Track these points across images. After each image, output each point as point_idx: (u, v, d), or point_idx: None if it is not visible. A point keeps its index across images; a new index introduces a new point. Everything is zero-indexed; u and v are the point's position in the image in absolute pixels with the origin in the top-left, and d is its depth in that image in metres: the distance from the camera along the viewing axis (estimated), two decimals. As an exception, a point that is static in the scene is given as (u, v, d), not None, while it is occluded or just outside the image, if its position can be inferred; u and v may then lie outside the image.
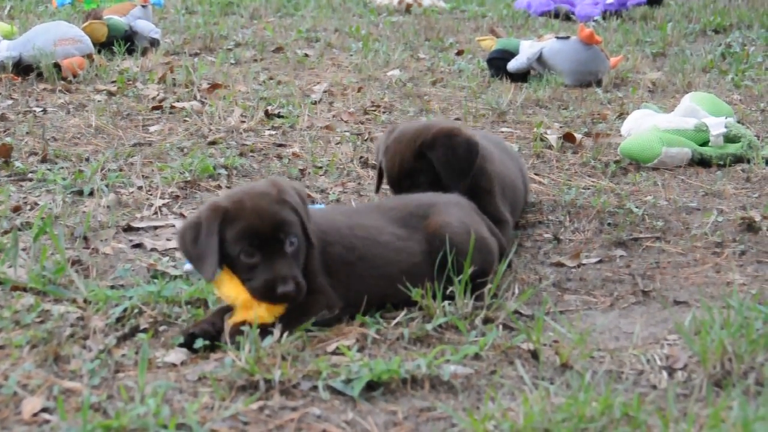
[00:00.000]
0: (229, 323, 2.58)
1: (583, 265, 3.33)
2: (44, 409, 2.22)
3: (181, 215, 3.68)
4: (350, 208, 3.01)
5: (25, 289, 2.88)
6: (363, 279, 2.79)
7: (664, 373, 2.49)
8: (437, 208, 2.98)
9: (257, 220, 2.61)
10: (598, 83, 6.33)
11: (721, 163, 4.54)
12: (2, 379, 2.34)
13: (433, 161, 3.28)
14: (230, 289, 2.67)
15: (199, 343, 2.55)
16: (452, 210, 2.99)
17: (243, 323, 2.55)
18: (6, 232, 3.33)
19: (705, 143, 4.64)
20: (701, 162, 4.55)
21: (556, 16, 9.38)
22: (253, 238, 2.60)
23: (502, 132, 5.09)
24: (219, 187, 4.02)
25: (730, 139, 4.65)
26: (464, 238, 2.88)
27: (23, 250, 3.15)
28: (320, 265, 2.73)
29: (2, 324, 2.64)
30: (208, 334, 2.57)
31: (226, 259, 2.63)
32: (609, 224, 3.71)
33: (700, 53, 7.57)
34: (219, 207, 2.64)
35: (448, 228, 2.89)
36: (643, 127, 4.71)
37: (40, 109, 5.18)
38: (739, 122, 5.01)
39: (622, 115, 5.39)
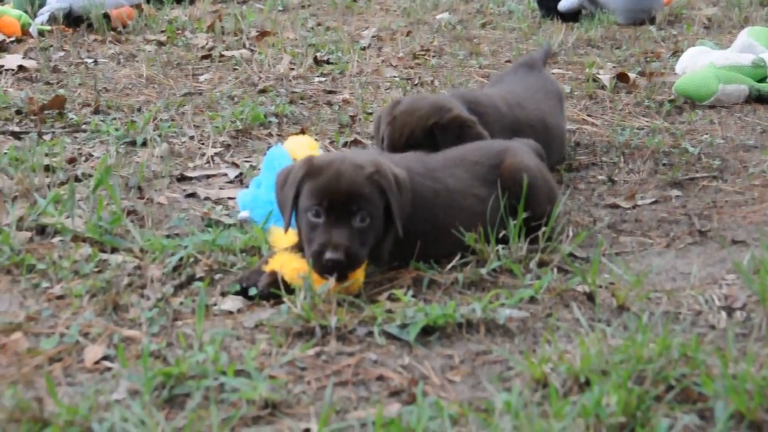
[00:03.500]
0: (266, 272, 2.60)
1: (638, 206, 3.30)
2: (105, 357, 2.26)
3: (233, 164, 3.69)
4: (436, 163, 2.87)
5: (83, 240, 2.91)
6: (436, 246, 2.76)
7: (723, 313, 2.47)
8: (511, 151, 2.95)
9: (335, 182, 2.55)
10: (652, 21, 6.22)
11: (779, 99, 4.46)
12: (64, 328, 2.38)
13: (440, 144, 3.15)
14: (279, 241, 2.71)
15: (253, 291, 2.57)
16: (525, 153, 2.97)
17: (275, 279, 2.56)
18: (62, 184, 3.37)
19: (763, 79, 4.55)
20: (759, 99, 4.47)
21: (607, -47, 9.20)
22: (323, 198, 2.54)
23: (554, 73, 5.02)
24: (270, 135, 4.03)
25: (788, 74, 4.56)
26: (540, 182, 2.88)
27: (79, 200, 3.18)
28: (394, 241, 2.68)
29: (62, 274, 2.67)
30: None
31: (300, 212, 2.61)
32: (664, 164, 3.67)
33: (757, -13, 7.40)
34: (309, 160, 2.61)
35: (528, 171, 2.87)
36: (699, 64, 4.63)
37: (92, 60, 5.21)
38: (797, 57, 4.90)
39: (676, 53, 5.31)
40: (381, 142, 3.31)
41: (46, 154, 3.62)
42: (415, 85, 4.80)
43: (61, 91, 4.53)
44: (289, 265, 2.59)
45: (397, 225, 2.60)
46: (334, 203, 2.54)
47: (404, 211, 2.64)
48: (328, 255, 2.49)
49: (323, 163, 2.60)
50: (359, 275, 2.59)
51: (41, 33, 5.71)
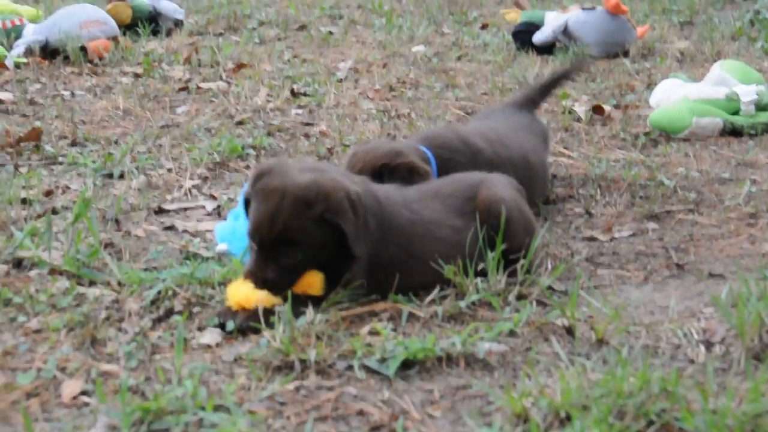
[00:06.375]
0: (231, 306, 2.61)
1: (616, 239, 3.32)
2: (83, 392, 2.23)
3: (211, 196, 3.69)
4: (411, 195, 2.88)
5: (60, 273, 2.89)
6: (413, 276, 2.76)
7: (702, 347, 2.47)
8: (486, 183, 2.95)
9: (267, 223, 2.57)
10: (626, 54, 6.28)
11: (753, 132, 4.50)
12: (41, 363, 2.36)
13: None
14: None
15: (230, 326, 2.55)
16: (501, 185, 2.97)
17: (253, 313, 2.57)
18: (39, 216, 3.35)
19: (736, 112, 4.59)
20: (733, 132, 4.52)
21: (581, -13, 9.28)
22: (254, 235, 2.60)
23: (530, 106, 5.05)
24: (248, 167, 4.02)
25: (761, 107, 4.61)
26: (516, 214, 2.87)
27: (57, 233, 3.16)
28: (367, 264, 2.68)
29: (39, 308, 2.65)
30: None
31: None
32: (641, 197, 3.69)
33: (729, 21, 7.48)
34: (258, 177, 2.64)
35: (503, 202, 2.87)
36: (673, 97, 4.67)
37: (68, 93, 5.20)
38: (770, 91, 4.95)
39: (650, 86, 5.35)
40: None
41: (23, 187, 3.61)
42: (392, 117, 4.81)
43: (38, 124, 4.51)
44: (238, 291, 2.60)
45: (355, 250, 2.60)
46: (264, 243, 2.58)
47: (364, 232, 2.63)
48: (252, 285, 2.57)
49: (267, 189, 2.60)
50: (313, 281, 2.63)
51: (17, 65, 5.69)
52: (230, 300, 2.61)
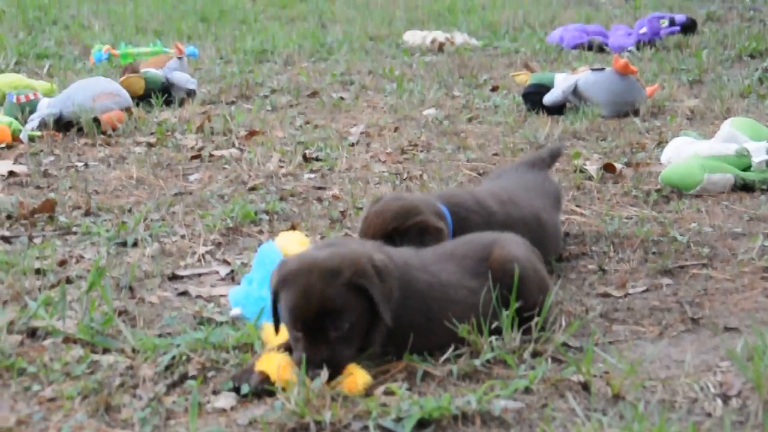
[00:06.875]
0: (255, 371, 2.59)
1: (630, 294, 3.31)
2: (97, 460, 2.24)
3: (225, 261, 3.70)
4: (428, 257, 2.89)
5: (74, 341, 2.90)
6: (430, 338, 2.76)
7: (719, 401, 2.46)
8: (499, 243, 2.96)
9: (304, 302, 2.55)
10: (636, 113, 6.31)
11: (764, 187, 4.50)
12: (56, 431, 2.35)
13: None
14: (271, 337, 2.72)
15: (245, 389, 2.55)
16: (514, 244, 2.98)
17: (267, 376, 2.56)
18: (53, 286, 3.37)
19: (747, 168, 4.60)
20: (744, 187, 4.52)
21: (590, 48, 9.35)
22: (296, 319, 2.57)
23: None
24: (261, 232, 4.04)
25: (772, 162, 4.61)
26: (530, 272, 2.88)
27: (71, 302, 3.18)
28: (386, 329, 2.66)
29: (54, 376, 2.66)
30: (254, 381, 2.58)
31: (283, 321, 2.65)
32: (654, 253, 3.68)
33: (737, 79, 7.51)
34: (282, 267, 2.64)
35: (516, 261, 2.87)
36: (684, 154, 4.69)
37: (82, 164, 5.24)
38: (780, 145, 4.96)
39: (661, 144, 5.36)
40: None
41: (37, 258, 3.63)
42: (404, 179, 4.84)
43: (52, 195, 4.55)
44: (273, 364, 2.57)
45: (383, 315, 2.59)
46: (307, 323, 2.55)
47: (390, 299, 2.63)
48: (309, 373, 2.51)
49: (294, 273, 2.59)
50: (356, 375, 2.56)
51: (32, 138, 5.75)
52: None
